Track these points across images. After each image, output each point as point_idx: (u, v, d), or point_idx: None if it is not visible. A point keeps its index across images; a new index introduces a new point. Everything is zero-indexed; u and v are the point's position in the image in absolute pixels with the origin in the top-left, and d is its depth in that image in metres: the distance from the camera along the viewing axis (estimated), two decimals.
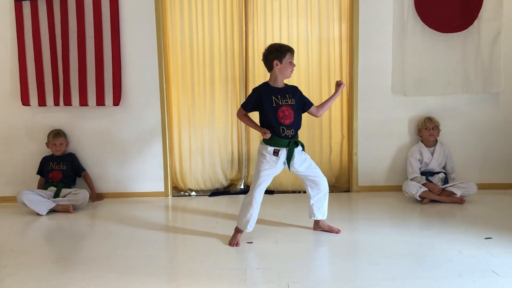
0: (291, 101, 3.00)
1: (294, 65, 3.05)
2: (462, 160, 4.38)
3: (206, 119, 4.46)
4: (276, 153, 2.98)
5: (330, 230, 3.19)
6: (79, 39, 4.17)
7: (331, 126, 4.48)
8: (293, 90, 3.08)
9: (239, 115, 3.14)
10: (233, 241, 3.00)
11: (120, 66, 4.24)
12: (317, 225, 3.23)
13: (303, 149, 3.10)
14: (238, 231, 3.04)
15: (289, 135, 2.98)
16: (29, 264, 2.71)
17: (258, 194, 2.99)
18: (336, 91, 3.24)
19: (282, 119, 2.96)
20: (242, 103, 3.15)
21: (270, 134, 2.96)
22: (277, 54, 2.99)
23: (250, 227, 3.01)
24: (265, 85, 3.07)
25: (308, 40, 4.40)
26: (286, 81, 3.12)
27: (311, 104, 3.19)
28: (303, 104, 3.12)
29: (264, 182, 3.02)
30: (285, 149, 2.99)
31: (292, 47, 3.09)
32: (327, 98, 4.38)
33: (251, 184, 3.08)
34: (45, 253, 2.98)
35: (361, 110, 4.37)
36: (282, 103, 2.97)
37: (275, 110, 2.96)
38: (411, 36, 4.26)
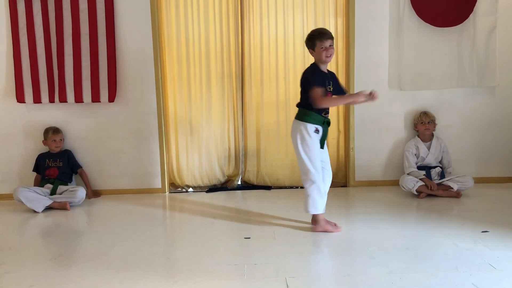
0: (330, 88, 3.05)
1: (329, 49, 3.00)
2: (458, 154, 4.39)
3: (202, 115, 4.45)
4: (317, 131, 3.04)
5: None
6: (74, 35, 4.15)
7: None
8: (333, 75, 3.17)
9: (325, 101, 2.98)
10: (318, 228, 3.06)
11: (116, 63, 4.22)
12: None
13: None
14: (317, 217, 3.08)
15: (326, 116, 3.08)
16: (26, 262, 2.71)
17: (318, 176, 3.03)
18: (357, 97, 3.06)
19: None
20: (312, 83, 2.97)
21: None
22: (308, 43, 3.09)
23: (322, 207, 3.07)
24: (317, 67, 3.07)
25: (304, 36, 4.35)
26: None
27: (339, 93, 3.19)
28: (339, 89, 3.17)
29: (318, 160, 3.04)
30: (321, 127, 3.05)
31: (326, 32, 3.06)
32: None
33: (304, 166, 3.04)
34: (42, 250, 2.98)
35: (357, 105, 4.35)
36: (328, 88, 3.04)
37: (325, 94, 3.00)
38: (407, 31, 4.26)
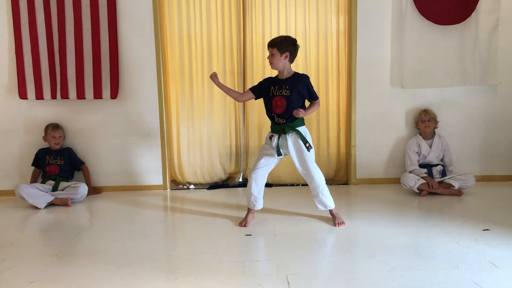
0: (285, 92, 3.11)
1: (269, 58, 3.17)
2: (460, 152, 4.38)
3: (204, 112, 4.45)
4: (270, 138, 3.22)
5: (334, 219, 3.23)
6: (76, 32, 4.15)
7: (329, 119, 4.48)
8: (295, 80, 3.15)
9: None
10: (242, 222, 3.25)
11: (118, 59, 4.22)
12: (331, 214, 3.28)
13: (305, 142, 3.13)
14: (248, 210, 3.32)
15: (279, 123, 3.15)
16: (27, 258, 2.71)
17: (253, 172, 3.24)
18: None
19: (274, 108, 3.15)
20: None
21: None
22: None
23: (253, 205, 3.27)
24: (275, 76, 3.27)
25: (306, 33, 4.38)
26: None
27: (309, 99, 3.23)
28: (307, 94, 3.19)
29: (259, 161, 3.23)
30: (277, 135, 3.19)
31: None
32: (324, 91, 4.43)
33: None
34: (44, 246, 2.98)
35: (359, 103, 4.37)
36: (276, 93, 3.14)
37: (270, 100, 3.18)
38: (409, 29, 4.25)
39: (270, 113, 3.19)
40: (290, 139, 3.14)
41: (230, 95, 3.37)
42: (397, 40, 4.30)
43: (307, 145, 3.12)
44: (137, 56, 4.26)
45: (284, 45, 3.12)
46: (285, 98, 3.10)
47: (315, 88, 4.36)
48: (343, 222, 3.19)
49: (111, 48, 4.18)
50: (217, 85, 3.27)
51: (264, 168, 3.25)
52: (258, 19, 4.36)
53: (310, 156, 3.16)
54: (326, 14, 4.36)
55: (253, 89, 3.31)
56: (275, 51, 3.11)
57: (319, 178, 3.18)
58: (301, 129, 3.16)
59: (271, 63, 3.16)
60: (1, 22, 4.18)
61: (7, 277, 2.44)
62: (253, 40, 4.37)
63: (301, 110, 3.08)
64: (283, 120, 3.13)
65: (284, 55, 3.12)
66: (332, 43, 4.41)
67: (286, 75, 3.17)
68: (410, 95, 4.36)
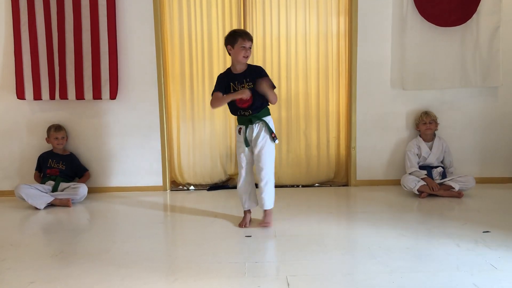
0: (248, 85, 3.08)
1: (248, 50, 3.08)
2: (460, 154, 4.38)
3: (204, 113, 4.45)
4: (239, 131, 3.19)
5: (263, 217, 3.23)
6: (75, 32, 4.15)
7: (329, 121, 4.48)
8: (253, 72, 3.12)
9: (213, 102, 3.14)
10: (241, 223, 3.25)
11: (117, 60, 4.22)
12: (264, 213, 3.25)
13: (271, 133, 3.12)
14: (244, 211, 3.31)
15: (246, 115, 3.14)
16: (27, 258, 2.71)
17: (239, 174, 3.24)
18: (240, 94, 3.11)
19: (240, 103, 3.11)
20: (212, 91, 3.17)
21: (249, 92, 3.04)
22: (229, 39, 3.09)
23: (244, 205, 3.27)
24: (227, 71, 3.20)
25: (307, 34, 4.38)
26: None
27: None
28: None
29: (240, 162, 3.22)
30: (244, 127, 3.16)
31: (249, 33, 3.17)
32: (324, 92, 4.43)
33: None
34: (44, 247, 2.98)
35: (359, 104, 4.37)
36: (238, 88, 3.10)
37: None
38: (410, 30, 4.25)
39: (235, 109, 3.15)
40: (256, 129, 3.12)
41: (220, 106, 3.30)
42: (398, 42, 4.30)
43: (273, 135, 3.12)
44: (137, 56, 4.26)
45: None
46: (251, 91, 3.05)
47: (315, 89, 4.43)
48: (268, 223, 3.17)
49: (110, 48, 4.18)
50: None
51: (247, 167, 3.21)
52: (259, 20, 4.36)
53: (271, 149, 3.14)
54: (326, 15, 4.36)
55: (220, 90, 3.15)
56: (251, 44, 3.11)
57: (268, 172, 3.14)
58: (267, 119, 3.16)
59: (247, 56, 3.10)
60: (0, 22, 4.18)
61: (7, 278, 2.44)
62: (254, 41, 4.35)
63: (265, 82, 3.04)
64: (249, 112, 3.12)
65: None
66: (333, 44, 4.41)
67: (240, 68, 3.13)
68: (410, 97, 4.36)
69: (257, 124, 3.13)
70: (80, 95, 4.20)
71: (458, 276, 2.32)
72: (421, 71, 4.27)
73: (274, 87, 3.15)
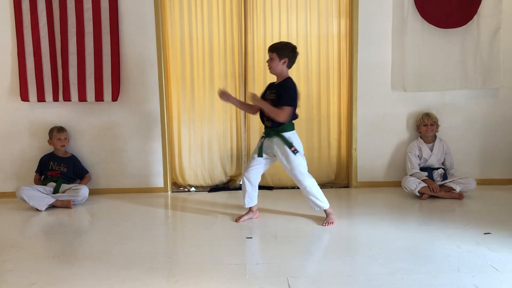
0: (271, 96, 3.18)
1: (268, 61, 3.22)
2: (461, 155, 4.38)
3: (205, 115, 4.46)
4: (261, 138, 3.34)
5: (325, 218, 3.30)
6: (78, 34, 4.16)
7: (330, 122, 4.48)
8: (280, 85, 3.19)
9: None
10: (237, 218, 3.41)
11: (119, 62, 4.23)
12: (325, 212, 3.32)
13: (290, 146, 3.15)
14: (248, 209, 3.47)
15: (268, 125, 3.23)
16: (28, 259, 2.71)
17: (245, 172, 3.35)
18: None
19: (265, 112, 3.20)
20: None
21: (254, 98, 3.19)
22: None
23: (245, 203, 3.40)
24: (271, 83, 3.35)
25: (308, 36, 4.39)
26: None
27: (280, 103, 3.13)
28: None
29: (251, 161, 3.34)
30: (264, 137, 3.29)
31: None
32: (325, 94, 4.44)
33: None
34: (45, 248, 2.98)
35: (360, 106, 4.37)
36: (266, 97, 3.23)
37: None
38: (410, 32, 4.25)
39: (261, 117, 3.29)
40: (276, 144, 3.20)
41: (245, 110, 3.53)
42: (399, 43, 4.30)
43: (292, 149, 3.13)
44: (139, 58, 4.27)
45: (284, 51, 3.16)
46: (272, 102, 3.14)
47: (316, 91, 4.42)
48: (332, 222, 3.23)
49: (112, 50, 4.19)
50: (232, 103, 3.33)
51: (255, 168, 3.32)
52: (260, 22, 4.37)
53: (297, 161, 3.16)
54: (327, 17, 4.37)
55: (262, 96, 3.32)
56: (275, 56, 3.15)
57: (307, 185, 3.21)
58: (287, 134, 3.16)
59: (269, 67, 3.21)
60: (3, 24, 4.20)
61: (8, 279, 2.44)
62: (255, 43, 4.38)
63: (256, 96, 3.17)
64: (269, 124, 3.19)
65: (282, 61, 3.15)
66: (334, 46, 4.41)
67: (279, 80, 3.22)
68: (411, 98, 4.36)
69: (273, 139, 3.20)
70: (82, 97, 4.21)
71: (459, 278, 2.32)
72: (421, 73, 4.27)
73: (288, 104, 3.08)
